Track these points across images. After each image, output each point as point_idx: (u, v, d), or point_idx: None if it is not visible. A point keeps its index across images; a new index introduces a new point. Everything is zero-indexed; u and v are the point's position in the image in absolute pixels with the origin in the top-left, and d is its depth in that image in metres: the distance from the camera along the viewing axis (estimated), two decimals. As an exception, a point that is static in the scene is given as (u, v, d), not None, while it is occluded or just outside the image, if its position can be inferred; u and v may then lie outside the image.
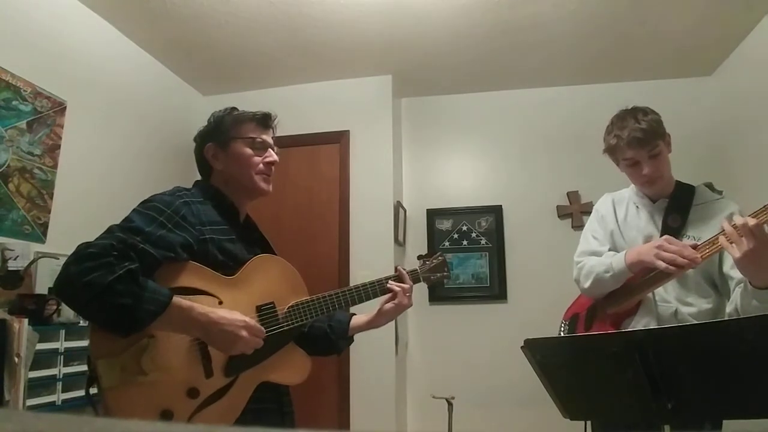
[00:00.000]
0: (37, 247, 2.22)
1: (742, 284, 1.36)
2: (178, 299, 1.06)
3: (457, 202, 3.55)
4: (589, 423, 1.51)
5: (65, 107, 2.46)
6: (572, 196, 3.39)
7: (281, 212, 3.26)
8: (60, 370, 1.98)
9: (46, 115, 2.36)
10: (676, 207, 1.58)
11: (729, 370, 0.99)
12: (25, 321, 1.76)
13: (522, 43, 3.04)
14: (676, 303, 1.50)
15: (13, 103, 2.20)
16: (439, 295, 3.42)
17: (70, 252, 1.04)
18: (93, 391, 1.07)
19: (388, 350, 3.06)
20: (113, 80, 2.83)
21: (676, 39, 2.98)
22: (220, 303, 1.19)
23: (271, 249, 1.40)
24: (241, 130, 1.35)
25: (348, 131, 3.41)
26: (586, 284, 1.62)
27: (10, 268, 2.02)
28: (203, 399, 1.13)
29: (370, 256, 3.18)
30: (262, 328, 1.19)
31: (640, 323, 1.50)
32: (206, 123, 1.41)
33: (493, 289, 3.39)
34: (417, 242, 3.52)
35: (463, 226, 3.51)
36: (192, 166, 1.44)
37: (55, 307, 2.00)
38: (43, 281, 2.14)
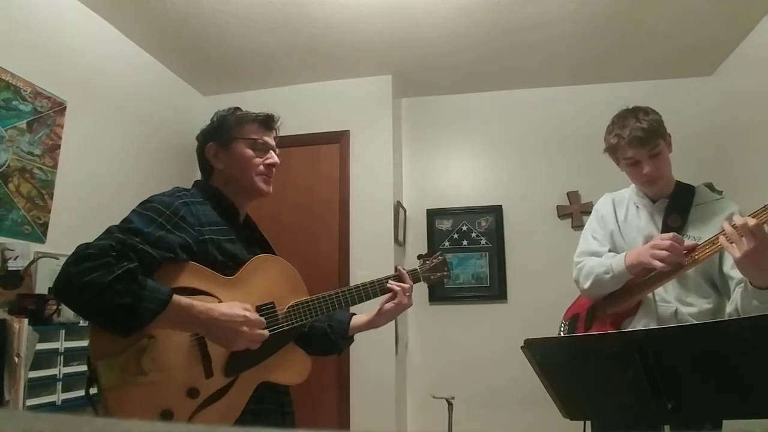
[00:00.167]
0: (37, 247, 2.22)
1: (742, 284, 1.36)
2: (177, 297, 1.06)
3: (457, 202, 3.55)
4: (588, 423, 1.51)
5: (65, 107, 2.46)
6: (572, 196, 3.39)
7: (281, 212, 3.26)
8: (60, 370, 1.98)
9: (46, 115, 2.36)
10: (676, 207, 1.58)
11: (729, 370, 0.99)
12: (25, 321, 1.76)
13: (522, 43, 3.04)
14: (676, 303, 1.50)
15: (13, 103, 2.20)
16: (439, 295, 3.42)
17: (70, 252, 1.04)
18: (93, 391, 1.07)
19: (388, 350, 3.06)
20: (113, 80, 2.83)
21: (676, 39, 2.98)
22: (221, 303, 1.18)
23: (271, 249, 1.40)
24: (243, 131, 1.35)
25: (348, 131, 3.41)
26: (586, 285, 1.62)
27: (10, 268, 2.03)
28: (203, 399, 1.13)
29: (370, 256, 3.18)
30: (263, 319, 1.19)
31: (640, 323, 1.50)
32: (209, 122, 1.40)
33: (493, 289, 3.38)
34: (417, 242, 3.52)
35: (463, 226, 3.51)
36: (192, 165, 1.44)
37: (55, 307, 2.00)
38: (43, 281, 2.14)
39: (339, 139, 3.41)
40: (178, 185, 1.32)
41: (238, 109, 1.40)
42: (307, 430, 1.87)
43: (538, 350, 1.17)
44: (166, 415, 1.08)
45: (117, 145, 2.83)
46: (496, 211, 3.48)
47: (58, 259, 2.13)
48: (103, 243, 1.03)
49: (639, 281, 1.50)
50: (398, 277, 1.49)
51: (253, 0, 2.63)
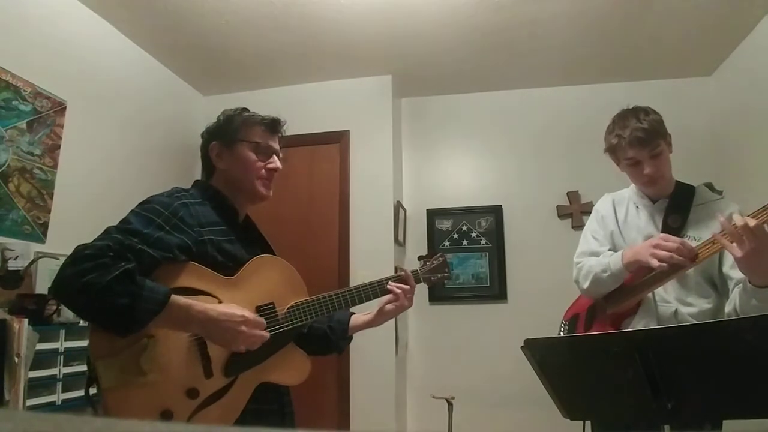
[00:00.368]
0: (37, 247, 2.22)
1: (740, 284, 1.36)
2: (175, 297, 1.06)
3: (457, 202, 3.55)
4: (588, 423, 1.51)
5: (65, 107, 2.46)
6: (572, 196, 3.39)
7: (281, 212, 3.26)
8: (60, 370, 1.98)
9: (46, 115, 2.36)
10: (677, 207, 1.58)
11: (729, 370, 0.99)
12: (25, 321, 1.76)
13: (522, 44, 3.04)
14: (676, 303, 1.50)
15: (13, 103, 2.20)
16: (439, 295, 3.41)
17: (70, 252, 1.04)
18: (93, 391, 1.07)
19: (388, 350, 3.06)
20: (113, 80, 2.83)
21: (676, 39, 2.98)
22: (220, 303, 1.18)
23: (271, 249, 1.40)
24: (248, 133, 1.34)
25: (348, 131, 3.41)
26: (585, 284, 1.63)
27: (10, 268, 2.03)
28: (203, 399, 1.13)
29: (370, 256, 3.18)
30: (263, 320, 1.19)
31: (640, 323, 1.50)
32: (215, 120, 1.40)
33: (493, 289, 3.38)
34: (417, 242, 3.52)
35: (463, 226, 3.51)
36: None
37: (55, 307, 2.00)
38: (43, 281, 2.14)
39: (339, 139, 3.41)
40: (178, 185, 1.32)
41: (245, 110, 1.39)
42: (307, 430, 1.87)
43: (538, 350, 1.17)
44: (166, 415, 1.08)
45: (117, 145, 2.83)
46: (496, 211, 3.48)
47: (58, 259, 2.13)
48: (101, 244, 1.03)
49: (639, 281, 1.50)
50: (399, 278, 1.49)
51: (253, 0, 2.63)
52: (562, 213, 3.40)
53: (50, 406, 1.93)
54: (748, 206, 1.35)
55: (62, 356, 1.99)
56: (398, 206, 3.37)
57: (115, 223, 1.12)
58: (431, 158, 3.66)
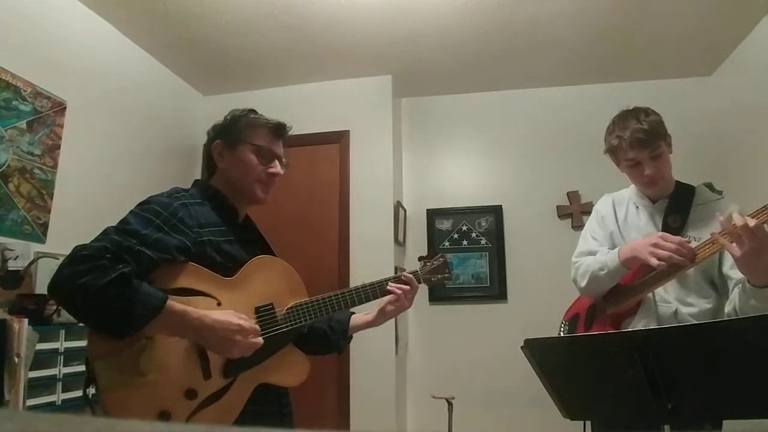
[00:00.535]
0: (37, 247, 2.22)
1: (740, 284, 1.36)
2: (171, 303, 1.05)
3: (457, 202, 3.55)
4: (588, 423, 1.51)
5: (65, 107, 2.46)
6: (572, 196, 3.39)
7: (281, 212, 3.26)
8: (60, 370, 1.98)
9: (46, 115, 2.36)
10: (676, 207, 1.58)
11: (729, 370, 0.99)
12: (25, 321, 1.76)
13: (522, 44, 3.04)
14: (676, 303, 1.50)
15: (13, 103, 2.20)
16: (439, 295, 3.41)
17: (69, 252, 1.03)
18: (92, 391, 1.07)
19: (388, 350, 3.06)
20: (113, 80, 2.83)
21: (676, 39, 2.98)
22: (219, 304, 1.18)
23: (271, 249, 1.40)
24: (252, 135, 1.34)
25: (348, 131, 3.41)
26: (583, 283, 1.63)
27: (10, 268, 2.03)
28: (201, 400, 1.12)
29: (370, 256, 3.18)
30: (257, 327, 1.18)
31: (640, 323, 1.50)
32: (223, 119, 1.40)
33: (493, 289, 3.38)
34: (417, 242, 3.52)
35: (463, 226, 3.51)
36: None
37: (55, 307, 2.00)
38: (43, 281, 2.14)
39: (339, 139, 3.41)
40: (178, 185, 1.31)
41: (252, 111, 1.39)
42: (307, 430, 1.87)
43: (538, 350, 1.17)
44: (164, 416, 1.08)
45: (117, 145, 2.83)
46: (496, 211, 3.48)
47: (58, 259, 2.12)
48: (99, 245, 1.02)
49: (639, 281, 1.50)
50: (399, 279, 1.49)
51: (253, 0, 2.63)
52: (562, 213, 3.40)
53: (50, 406, 1.93)
54: (748, 206, 1.35)
55: (62, 356, 1.99)
56: (398, 206, 3.37)
57: (115, 223, 1.12)
58: (431, 158, 3.66)
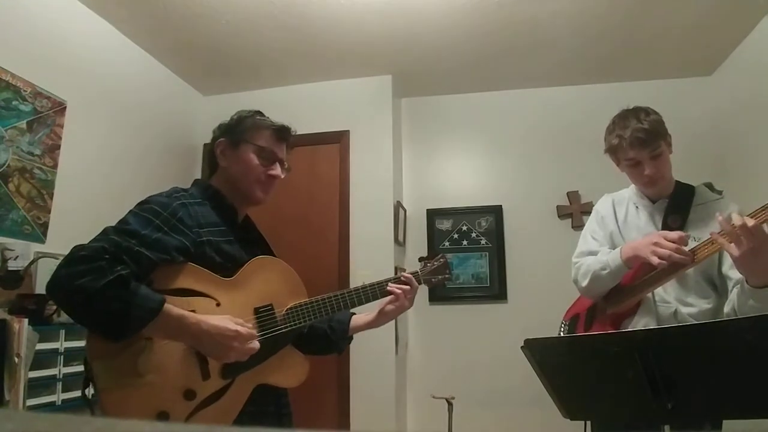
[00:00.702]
0: (37, 247, 2.22)
1: (739, 284, 1.36)
2: (169, 307, 1.05)
3: (457, 202, 3.55)
4: (589, 423, 1.51)
5: (65, 107, 2.46)
6: (572, 196, 3.39)
7: (281, 212, 3.26)
8: (60, 370, 1.97)
9: (46, 115, 2.36)
10: (676, 207, 1.58)
11: (729, 370, 0.99)
12: (25, 321, 1.76)
13: (522, 44, 3.04)
14: (676, 303, 1.50)
15: (13, 103, 2.20)
16: (439, 295, 3.41)
17: (69, 252, 1.03)
18: (91, 391, 1.07)
19: (388, 350, 3.06)
20: (113, 80, 2.83)
21: (676, 39, 2.98)
22: (218, 305, 1.18)
23: (270, 250, 1.40)
24: (255, 136, 1.34)
25: (348, 131, 3.41)
26: (584, 283, 1.62)
27: (10, 268, 2.03)
28: (200, 401, 1.12)
29: (370, 256, 3.18)
30: (254, 332, 1.17)
31: (640, 323, 1.50)
32: (229, 118, 1.40)
33: (493, 289, 3.39)
34: (417, 242, 3.52)
35: (463, 226, 3.51)
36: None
37: (55, 307, 2.00)
38: (43, 281, 2.13)
39: (339, 139, 3.41)
40: (178, 185, 1.31)
41: (259, 113, 1.39)
42: (307, 430, 1.87)
43: (538, 350, 1.17)
44: (163, 417, 1.08)
45: (117, 145, 2.83)
46: (496, 211, 3.48)
47: (57, 259, 2.12)
48: (97, 245, 1.02)
49: (639, 281, 1.50)
50: (399, 280, 1.48)
51: (253, 0, 2.63)
52: (562, 213, 3.40)
53: (50, 406, 1.93)
54: (748, 206, 1.35)
55: (62, 356, 1.99)
56: (398, 206, 3.37)
57: (115, 223, 1.11)
58: (431, 158, 3.66)
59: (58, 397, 1.96)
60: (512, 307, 3.33)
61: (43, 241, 2.28)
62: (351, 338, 1.54)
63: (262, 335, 1.23)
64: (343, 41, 3.01)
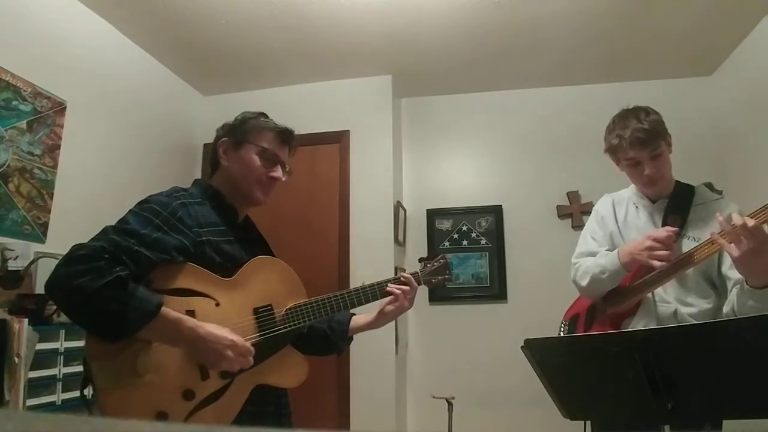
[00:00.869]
0: (37, 247, 2.22)
1: (738, 285, 1.36)
2: (166, 310, 1.05)
3: (457, 202, 3.55)
4: (589, 423, 1.51)
5: (65, 107, 2.46)
6: (572, 196, 3.39)
7: (281, 212, 3.26)
8: (60, 370, 1.98)
9: (46, 115, 2.36)
10: (676, 207, 1.58)
11: (729, 370, 0.99)
12: (25, 321, 1.76)
13: (522, 44, 3.04)
14: (676, 303, 1.50)
15: (13, 103, 2.20)
16: (439, 295, 3.41)
17: (69, 252, 1.03)
18: (90, 391, 1.07)
19: (388, 350, 3.06)
20: (113, 80, 2.83)
21: (676, 39, 2.98)
22: (217, 305, 1.18)
23: (270, 250, 1.40)
24: (258, 137, 1.34)
25: (348, 131, 3.41)
26: (583, 284, 1.63)
27: (10, 268, 2.03)
28: (199, 401, 1.12)
29: (370, 256, 3.18)
30: (251, 348, 1.16)
31: (640, 323, 1.50)
32: (233, 119, 1.41)
33: (493, 289, 3.38)
34: (417, 242, 3.52)
35: (463, 226, 3.51)
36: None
37: (55, 307, 2.00)
38: (43, 281, 2.11)
39: (339, 139, 3.41)
40: (178, 185, 1.31)
41: (263, 115, 1.40)
42: (307, 430, 1.86)
43: (538, 350, 1.17)
44: (161, 417, 1.07)
45: (117, 145, 2.83)
46: (496, 211, 3.48)
47: (57, 259, 2.11)
48: (97, 245, 1.02)
49: (638, 281, 1.50)
50: (398, 281, 1.48)
51: (253, 0, 2.63)
52: (562, 213, 3.40)
53: (50, 406, 1.93)
54: (748, 206, 1.35)
55: (62, 356, 1.99)
56: (398, 206, 3.37)
57: (114, 222, 1.11)
58: (431, 158, 3.66)
59: (58, 397, 1.96)
60: (512, 307, 3.33)
61: (43, 241, 2.28)
62: (351, 339, 1.54)
63: (261, 336, 1.22)
64: (343, 41, 3.01)
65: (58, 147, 2.42)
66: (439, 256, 1.61)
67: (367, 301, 1.42)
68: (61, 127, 2.44)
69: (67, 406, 1.97)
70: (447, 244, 3.50)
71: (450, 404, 2.62)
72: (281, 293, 1.31)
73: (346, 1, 2.64)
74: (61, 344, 1.99)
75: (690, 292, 1.50)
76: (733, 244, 1.24)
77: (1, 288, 1.99)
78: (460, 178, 3.61)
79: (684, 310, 1.48)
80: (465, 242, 3.48)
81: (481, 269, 3.43)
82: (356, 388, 3.06)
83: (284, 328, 1.28)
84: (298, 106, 3.37)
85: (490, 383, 3.18)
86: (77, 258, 1.00)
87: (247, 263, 1.26)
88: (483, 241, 3.46)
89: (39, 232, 2.27)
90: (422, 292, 3.36)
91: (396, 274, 3.12)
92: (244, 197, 1.35)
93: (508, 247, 3.43)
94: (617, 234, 1.66)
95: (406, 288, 1.46)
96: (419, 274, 1.55)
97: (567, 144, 3.43)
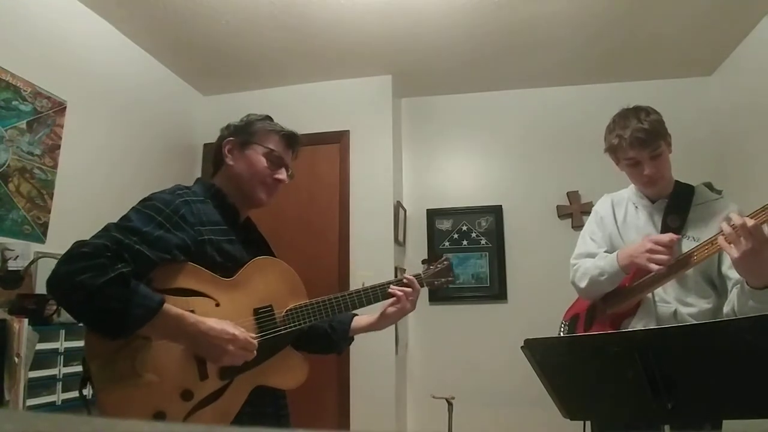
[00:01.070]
0: (37, 247, 2.22)
1: (738, 285, 1.36)
2: (168, 306, 1.05)
3: (457, 202, 3.55)
4: (588, 423, 1.51)
5: (65, 107, 2.46)
6: (572, 196, 3.39)
7: (281, 213, 3.26)
8: (60, 370, 1.97)
9: (46, 115, 2.36)
10: (676, 207, 1.58)
11: (729, 370, 0.99)
12: (25, 321, 1.76)
13: (521, 44, 3.04)
14: (676, 303, 1.50)
15: (13, 103, 2.20)
16: (439, 295, 3.41)
17: (69, 252, 1.03)
18: (91, 391, 1.07)
19: (388, 350, 3.06)
20: (113, 80, 2.83)
21: (676, 39, 2.98)
22: (217, 305, 1.18)
23: (271, 250, 1.40)
24: (264, 139, 1.36)
25: (348, 131, 3.41)
26: (582, 285, 1.63)
27: (10, 268, 2.02)
28: (197, 401, 1.12)
29: (370, 256, 3.18)
30: (253, 341, 1.16)
31: (640, 323, 1.50)
32: (239, 120, 1.41)
33: (493, 289, 3.38)
34: (417, 242, 3.52)
35: (463, 226, 3.51)
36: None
37: (55, 307, 2.00)
38: (43, 281, 2.11)
39: (339, 139, 3.41)
40: (179, 183, 1.31)
41: (269, 118, 1.41)
42: (307, 430, 1.86)
43: (538, 350, 1.17)
44: (160, 417, 1.07)
45: (117, 145, 2.83)
46: (496, 211, 3.48)
47: (57, 259, 2.12)
48: (99, 242, 1.02)
49: (638, 282, 1.50)
50: (401, 283, 1.48)
51: (253, 0, 2.63)
52: (562, 213, 3.40)
53: (50, 406, 1.93)
54: (748, 206, 1.35)
55: (62, 356, 1.99)
56: (398, 206, 3.37)
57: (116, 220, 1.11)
58: (431, 158, 3.66)
59: (58, 397, 1.96)
60: (512, 307, 3.33)
61: (43, 241, 2.28)
62: (352, 339, 1.54)
63: (261, 336, 1.22)
64: (343, 41, 3.01)
65: (58, 147, 2.42)
66: (443, 258, 1.60)
67: (369, 303, 1.42)
68: (61, 127, 2.44)
69: (67, 406, 1.97)
70: (447, 244, 3.50)
71: (450, 404, 2.62)
72: (282, 294, 1.30)
73: (346, 1, 2.64)
74: (61, 344, 1.99)
75: (690, 292, 1.50)
76: (732, 245, 1.24)
77: (1, 288, 1.99)
78: (460, 178, 3.61)
79: (684, 310, 1.48)
80: (465, 242, 3.48)
81: (481, 269, 3.43)
82: (356, 388, 3.06)
83: (284, 329, 1.27)
84: (298, 106, 3.37)
85: (490, 383, 3.18)
86: (79, 255, 1.00)
87: (248, 263, 1.25)
88: (483, 241, 3.46)
89: (39, 232, 2.27)
90: (422, 292, 3.36)
91: (396, 274, 3.13)
92: (247, 197, 1.35)
93: (508, 247, 3.43)
94: (616, 235, 1.66)
95: (408, 290, 1.46)
96: (422, 275, 1.55)
97: (567, 144, 3.43)
